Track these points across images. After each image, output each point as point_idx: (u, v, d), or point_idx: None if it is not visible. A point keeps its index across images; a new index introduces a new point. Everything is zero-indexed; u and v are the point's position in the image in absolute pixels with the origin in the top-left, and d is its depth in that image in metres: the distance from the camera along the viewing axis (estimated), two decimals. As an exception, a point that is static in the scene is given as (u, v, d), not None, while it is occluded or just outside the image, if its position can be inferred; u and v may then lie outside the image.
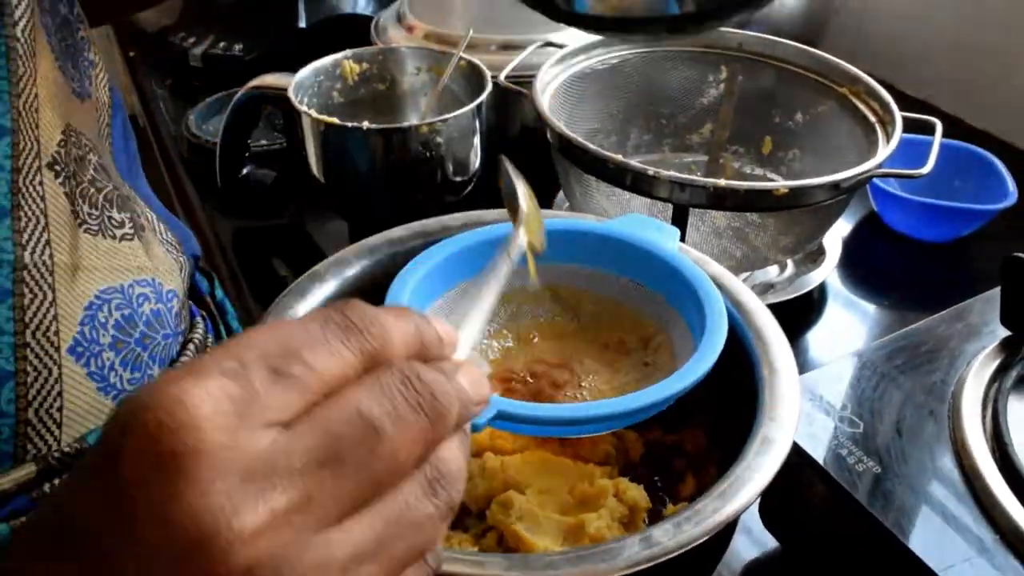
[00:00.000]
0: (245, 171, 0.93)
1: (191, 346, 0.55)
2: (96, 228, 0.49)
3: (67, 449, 0.45)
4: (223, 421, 0.26)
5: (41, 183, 0.46)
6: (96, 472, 0.27)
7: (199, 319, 0.60)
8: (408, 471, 0.29)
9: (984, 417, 0.54)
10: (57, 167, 0.48)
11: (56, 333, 0.45)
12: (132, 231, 0.52)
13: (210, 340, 0.59)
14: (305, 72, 0.86)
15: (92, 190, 0.50)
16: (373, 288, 0.54)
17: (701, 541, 0.41)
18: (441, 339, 0.33)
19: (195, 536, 0.25)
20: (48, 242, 0.46)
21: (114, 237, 0.51)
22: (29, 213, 0.45)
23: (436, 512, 0.29)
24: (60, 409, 0.45)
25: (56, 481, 0.45)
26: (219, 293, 0.70)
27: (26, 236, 0.45)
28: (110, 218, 0.51)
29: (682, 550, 0.41)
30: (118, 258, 0.50)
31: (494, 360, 0.56)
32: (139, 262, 0.52)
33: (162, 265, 0.54)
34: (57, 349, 0.45)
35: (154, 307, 0.52)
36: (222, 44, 1.21)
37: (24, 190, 0.45)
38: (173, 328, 0.53)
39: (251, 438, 0.26)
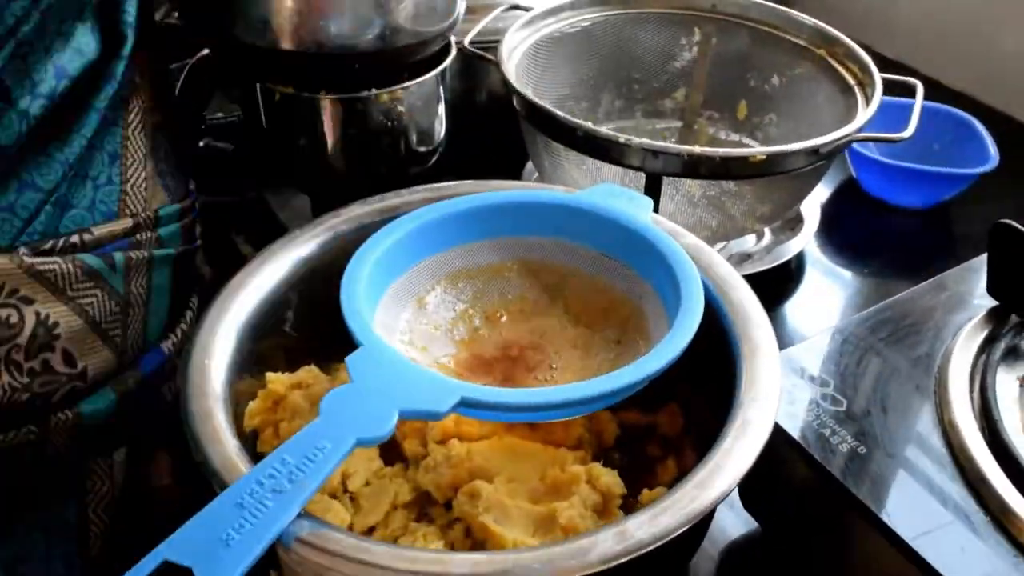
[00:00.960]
0: (201, 144, 0.89)
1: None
2: None
3: (148, 214, 0.59)
4: None
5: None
6: None
7: None
8: None
9: (972, 391, 0.52)
10: None
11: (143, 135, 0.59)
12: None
13: None
14: (260, 40, 0.82)
15: None
16: (331, 265, 0.51)
17: (678, 533, 0.39)
18: None
19: None
20: None
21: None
22: None
23: None
24: (147, 190, 0.59)
25: (142, 235, 0.58)
26: None
27: None
28: None
29: (658, 543, 0.38)
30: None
31: (460, 341, 0.53)
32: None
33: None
34: (144, 150, 0.59)
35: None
36: (176, 13, 1.16)
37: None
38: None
39: None
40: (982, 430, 0.49)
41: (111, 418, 0.57)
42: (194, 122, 0.88)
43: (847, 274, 0.84)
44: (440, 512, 0.48)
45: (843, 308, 0.79)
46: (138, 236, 0.58)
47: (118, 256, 0.56)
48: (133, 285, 0.58)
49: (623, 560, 0.38)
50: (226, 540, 0.35)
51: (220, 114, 0.94)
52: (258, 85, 0.77)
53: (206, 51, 0.82)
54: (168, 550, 0.35)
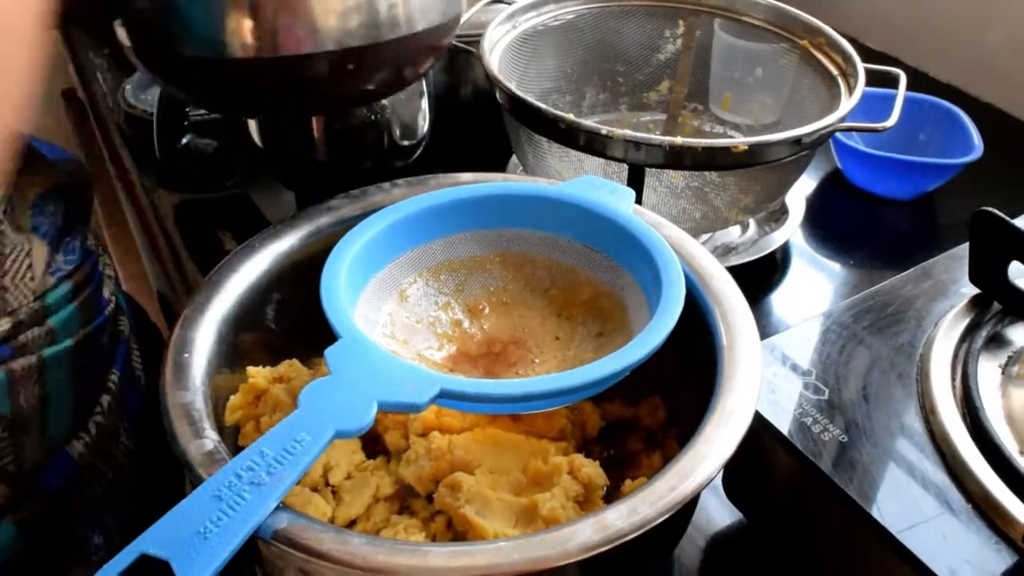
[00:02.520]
0: (185, 141, 0.89)
1: (86, 238, 0.58)
2: None
3: (34, 306, 0.52)
4: None
5: None
6: None
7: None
8: None
9: (953, 379, 0.52)
10: None
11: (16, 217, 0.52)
12: (41, 156, 0.56)
13: (90, 242, 0.61)
14: (243, 35, 0.81)
15: None
16: (312, 259, 0.51)
17: (658, 522, 0.39)
18: None
19: None
20: None
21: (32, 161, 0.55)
22: None
23: None
24: (32, 279, 0.52)
25: (29, 333, 0.51)
26: None
27: None
28: None
29: (638, 532, 0.38)
30: (41, 172, 0.55)
31: (443, 334, 0.53)
32: (56, 174, 0.56)
33: (76, 177, 0.58)
34: (22, 228, 0.52)
35: (79, 206, 0.57)
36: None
37: None
38: (87, 223, 0.59)
39: None
40: (963, 417, 0.49)
41: (15, 554, 0.52)
42: (177, 119, 0.87)
43: (833, 265, 0.84)
44: (422, 505, 0.48)
45: (829, 298, 0.79)
46: (22, 338, 0.51)
47: None
48: (22, 399, 0.51)
49: (603, 550, 0.37)
50: (204, 533, 0.35)
51: (203, 111, 0.93)
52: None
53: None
54: (146, 543, 0.34)
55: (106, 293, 0.60)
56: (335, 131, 0.76)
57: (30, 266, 0.52)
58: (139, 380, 0.63)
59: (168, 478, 0.66)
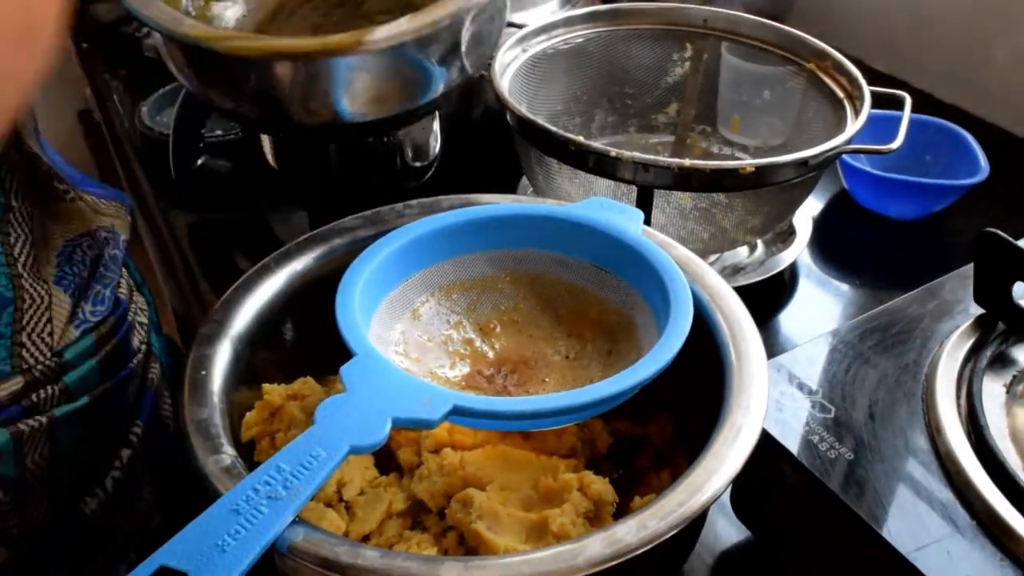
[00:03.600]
0: (200, 162, 0.90)
1: (123, 281, 0.57)
2: (45, 197, 0.53)
3: (49, 364, 0.50)
4: None
5: None
6: None
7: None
8: None
9: (959, 398, 0.53)
10: None
11: (38, 268, 0.51)
12: (75, 197, 0.54)
13: (133, 281, 0.61)
14: (258, 58, 0.83)
15: (39, 171, 0.52)
16: (327, 279, 0.52)
17: (666, 537, 0.39)
18: None
19: None
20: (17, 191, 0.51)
21: (64, 201, 0.54)
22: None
23: None
24: (51, 334, 0.50)
25: (42, 392, 0.49)
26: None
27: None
28: (55, 189, 0.53)
29: (647, 547, 0.39)
30: (75, 214, 0.54)
31: (455, 352, 0.54)
32: (92, 215, 0.55)
33: (115, 219, 0.57)
34: (45, 281, 0.50)
35: (112, 252, 0.55)
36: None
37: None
38: (119, 271, 0.56)
39: None
40: (968, 436, 0.50)
41: None
42: (192, 141, 0.89)
43: (840, 285, 0.85)
44: (434, 520, 0.49)
45: (836, 318, 0.80)
46: (34, 396, 0.48)
47: (0, 434, 0.47)
48: (29, 461, 0.48)
49: (612, 564, 0.38)
50: (222, 546, 0.36)
51: (218, 132, 0.95)
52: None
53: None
54: (165, 555, 0.35)
55: (135, 342, 0.57)
56: (349, 151, 0.77)
57: (49, 320, 0.50)
58: (168, 429, 0.60)
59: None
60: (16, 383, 0.48)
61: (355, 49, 0.54)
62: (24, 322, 0.49)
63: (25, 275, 0.49)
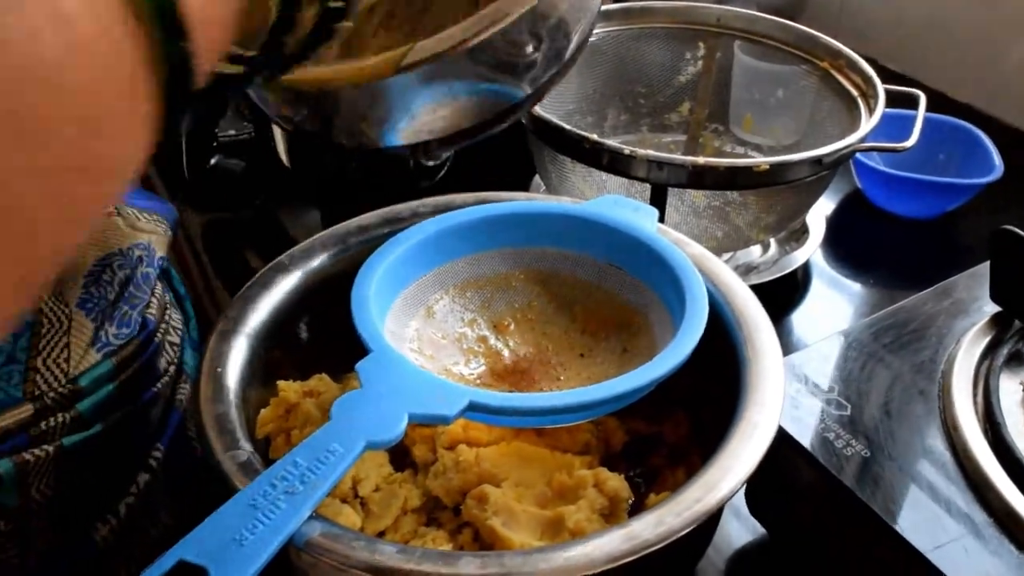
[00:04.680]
0: (213, 161, 0.90)
1: (154, 299, 0.54)
2: None
3: (62, 391, 0.47)
4: None
5: None
6: None
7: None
8: None
9: (975, 396, 0.52)
10: None
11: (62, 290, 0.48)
12: (111, 211, 0.53)
13: (167, 298, 0.59)
14: (271, 57, 0.83)
15: None
16: (341, 276, 0.52)
17: (683, 533, 0.39)
18: None
19: None
20: None
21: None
22: None
23: None
24: (67, 359, 0.47)
25: (51, 420, 0.46)
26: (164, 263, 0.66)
27: None
28: None
29: (664, 543, 0.39)
30: (110, 229, 0.52)
31: (469, 350, 0.54)
32: (128, 233, 0.53)
33: (152, 235, 0.55)
34: (67, 304, 0.48)
35: (145, 270, 0.53)
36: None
37: None
38: (150, 291, 0.54)
39: None
40: (985, 433, 0.50)
41: None
42: (206, 140, 0.89)
43: (853, 284, 0.84)
44: (449, 517, 0.49)
45: (849, 317, 0.80)
46: (43, 425, 0.46)
47: (3, 464, 0.44)
48: (33, 490, 0.46)
49: (629, 560, 0.38)
50: (240, 540, 0.36)
51: (232, 131, 0.95)
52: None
53: (218, 69, 0.83)
54: (183, 550, 0.35)
55: (162, 363, 0.54)
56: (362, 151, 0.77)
57: (67, 345, 0.47)
58: (193, 450, 0.57)
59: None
60: (25, 411, 0.45)
61: (392, 72, 0.48)
62: (40, 347, 0.46)
63: (47, 297, 0.47)
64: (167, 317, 0.56)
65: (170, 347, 0.56)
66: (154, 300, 0.54)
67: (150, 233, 0.55)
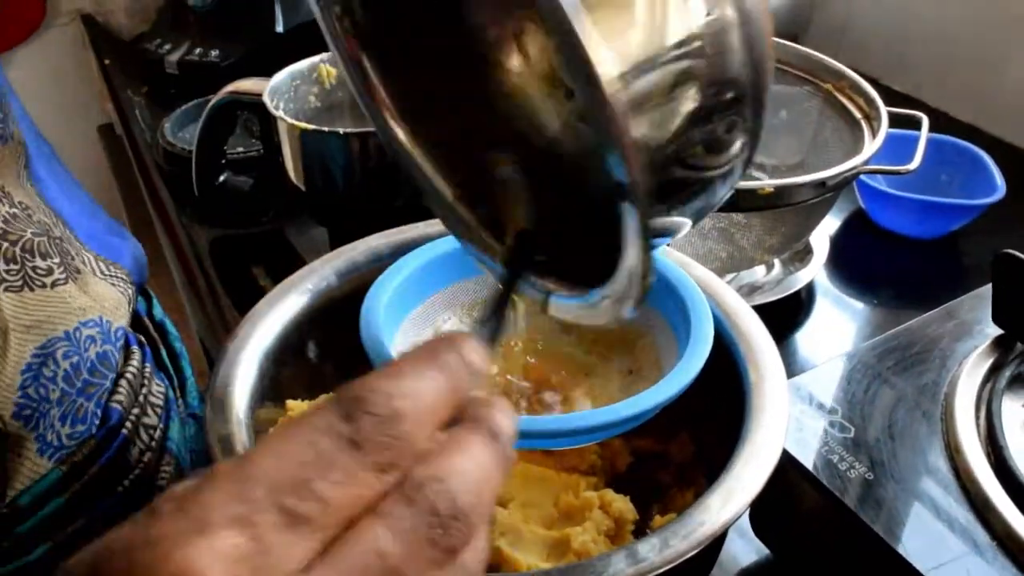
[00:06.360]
0: (222, 178, 0.91)
1: (123, 382, 0.49)
2: (18, 284, 0.44)
3: (3, 510, 0.41)
4: None
5: None
6: None
7: (135, 347, 0.52)
8: None
9: (978, 418, 0.53)
10: None
11: None
12: (64, 275, 0.47)
13: (147, 369, 0.52)
14: (281, 76, 0.84)
15: (5, 244, 0.44)
16: (350, 297, 0.53)
17: (689, 555, 0.40)
18: (475, 371, 0.28)
19: None
20: None
21: (43, 286, 0.45)
22: None
23: None
24: (2, 480, 0.41)
25: None
26: (158, 312, 0.63)
27: None
28: (34, 268, 0.45)
29: (669, 565, 0.39)
30: (53, 305, 0.45)
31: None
32: (80, 303, 0.47)
33: (107, 301, 0.49)
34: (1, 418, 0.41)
35: (100, 349, 0.46)
36: (198, 50, 1.19)
37: None
38: (115, 368, 0.48)
39: None
40: (987, 455, 0.50)
41: None
42: (215, 157, 0.90)
43: (857, 304, 0.85)
44: (456, 537, 0.49)
45: (853, 338, 0.80)
46: None
47: None
48: None
49: (635, 582, 0.39)
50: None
51: (240, 149, 0.96)
52: (279, 120, 0.79)
53: (228, 89, 0.84)
54: None
55: (134, 454, 0.48)
56: (369, 169, 0.78)
57: (1, 466, 0.41)
58: None
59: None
60: None
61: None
62: None
63: None
64: (142, 396, 0.50)
65: (146, 432, 0.50)
66: (122, 383, 0.48)
67: (104, 300, 0.49)
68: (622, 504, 0.48)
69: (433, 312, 0.55)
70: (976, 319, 0.62)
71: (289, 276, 0.57)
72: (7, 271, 0.43)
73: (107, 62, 1.30)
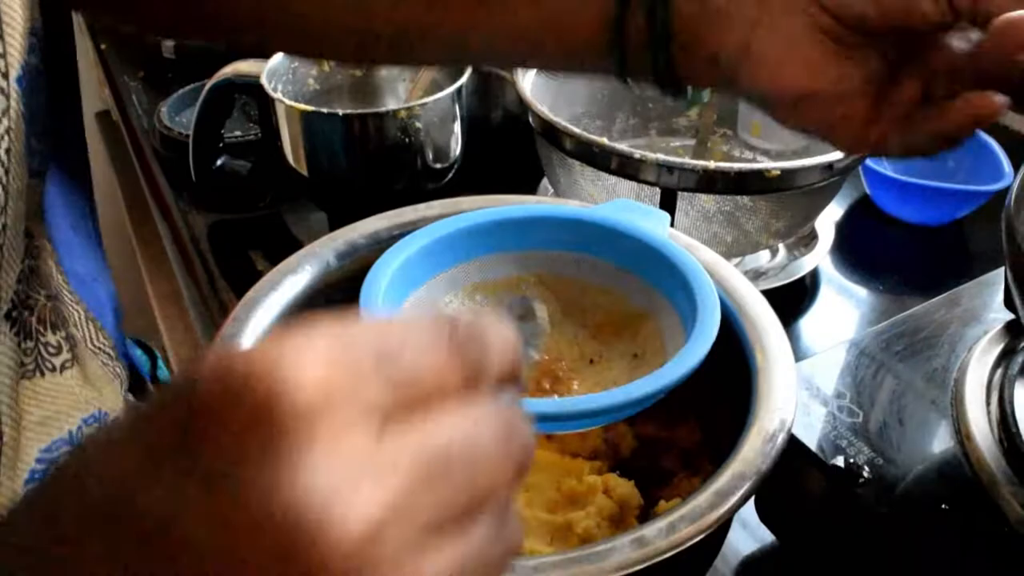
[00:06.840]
0: (219, 163, 0.90)
1: None
2: (33, 367, 0.44)
3: None
4: (340, 409, 0.22)
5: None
6: (176, 448, 0.22)
7: None
8: (490, 507, 0.25)
9: (988, 404, 0.52)
10: (14, 313, 0.41)
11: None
12: (70, 356, 0.46)
13: None
14: (278, 59, 0.83)
15: (25, 313, 0.43)
16: (348, 279, 0.52)
17: (695, 540, 0.39)
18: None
19: (296, 536, 0.21)
20: None
21: (53, 369, 0.45)
22: None
23: (508, 553, 0.26)
24: None
25: None
26: (162, 373, 0.63)
27: None
28: (46, 345, 0.45)
29: (675, 550, 0.38)
30: (62, 397, 0.45)
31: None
32: (83, 394, 0.46)
33: (105, 387, 0.49)
34: None
35: None
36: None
37: None
38: None
39: (361, 430, 0.22)
40: (999, 442, 0.49)
41: None
42: (212, 141, 0.89)
43: (861, 290, 0.84)
44: (458, 522, 0.48)
45: (858, 324, 0.79)
46: None
47: None
48: None
49: (640, 567, 0.38)
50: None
51: (238, 133, 0.95)
52: (277, 103, 0.78)
53: (225, 72, 0.83)
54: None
55: None
56: (369, 152, 0.77)
57: None
58: None
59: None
60: None
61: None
62: None
63: None
64: None
65: None
66: None
67: (103, 386, 0.49)
68: (626, 489, 0.48)
69: (434, 295, 0.54)
70: (983, 305, 0.61)
71: (287, 259, 0.56)
72: (26, 351, 0.43)
73: (103, 47, 1.29)
